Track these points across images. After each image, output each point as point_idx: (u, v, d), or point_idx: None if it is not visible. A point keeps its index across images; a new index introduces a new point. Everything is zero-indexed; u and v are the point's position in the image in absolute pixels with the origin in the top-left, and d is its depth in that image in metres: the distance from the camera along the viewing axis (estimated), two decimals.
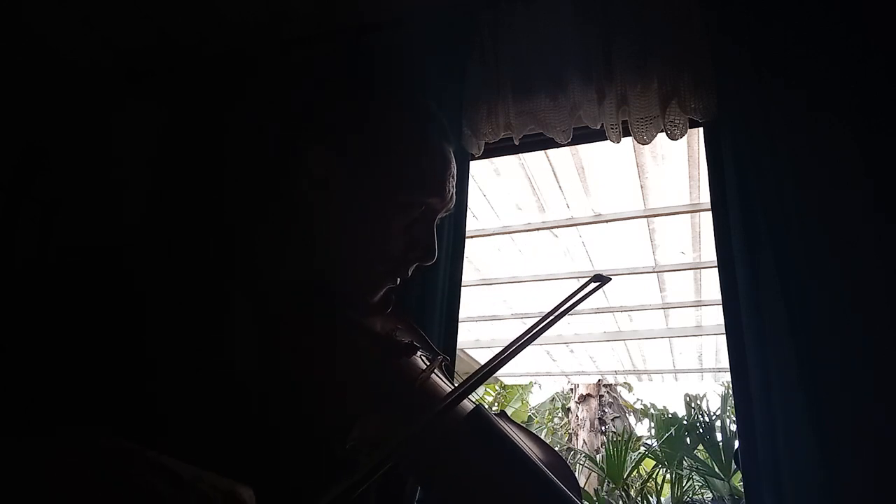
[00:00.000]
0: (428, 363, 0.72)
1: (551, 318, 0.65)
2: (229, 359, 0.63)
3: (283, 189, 0.74)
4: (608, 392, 10.05)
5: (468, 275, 4.11)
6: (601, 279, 0.71)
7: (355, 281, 0.72)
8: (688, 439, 7.26)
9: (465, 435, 0.65)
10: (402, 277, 0.74)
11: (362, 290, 0.73)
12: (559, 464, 0.70)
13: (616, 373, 7.62)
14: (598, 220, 3.26)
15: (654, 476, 7.91)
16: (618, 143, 1.56)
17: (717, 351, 6.08)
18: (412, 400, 0.65)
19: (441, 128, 0.76)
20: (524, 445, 0.67)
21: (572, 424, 9.95)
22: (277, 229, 0.74)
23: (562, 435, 10.61)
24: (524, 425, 0.80)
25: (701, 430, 7.09)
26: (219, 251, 0.72)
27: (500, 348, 0.66)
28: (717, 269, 1.42)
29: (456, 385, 0.70)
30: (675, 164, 2.72)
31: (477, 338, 5.70)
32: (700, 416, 7.32)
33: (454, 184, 0.75)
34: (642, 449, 8.46)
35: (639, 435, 9.43)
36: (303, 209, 0.72)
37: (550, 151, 2.63)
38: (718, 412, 7.50)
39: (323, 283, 0.72)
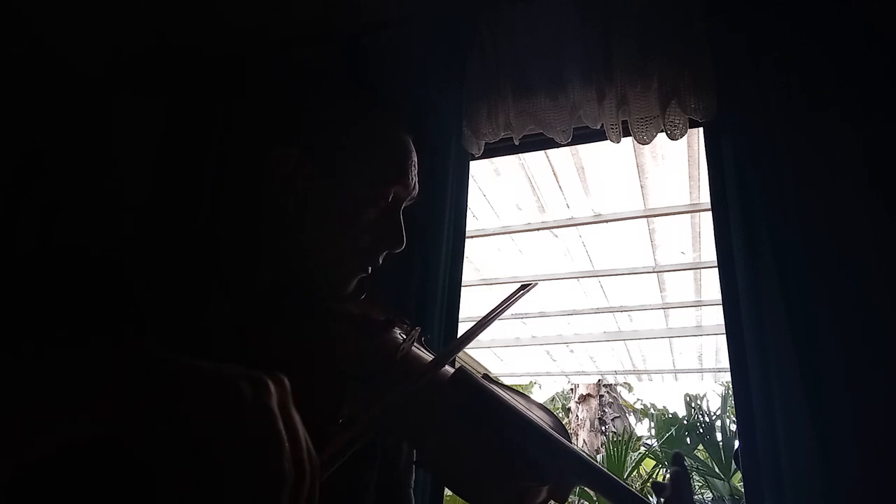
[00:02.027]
0: (405, 336, 0.74)
1: (483, 323, 0.69)
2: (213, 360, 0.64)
3: (257, 191, 0.75)
4: (608, 392, 10.05)
5: (468, 275, 4.11)
6: (526, 286, 0.75)
7: (330, 276, 0.74)
8: (688, 439, 7.27)
9: (450, 396, 0.66)
10: (372, 267, 0.76)
11: (337, 283, 0.74)
12: (547, 415, 0.72)
13: (616, 373, 7.62)
14: (598, 220, 3.26)
15: (654, 476, 7.92)
16: (618, 143, 1.56)
17: (717, 351, 6.08)
18: (395, 373, 0.67)
19: (402, 119, 0.79)
20: (511, 400, 0.69)
21: (572, 424, 9.95)
22: (254, 231, 0.75)
23: None
24: None
25: (701, 430, 7.09)
26: (202, 254, 0.73)
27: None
28: (717, 269, 1.42)
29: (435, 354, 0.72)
30: (675, 164, 2.72)
31: (477, 338, 5.68)
32: (700, 416, 7.33)
33: (416, 172, 0.78)
34: (642, 449, 8.47)
35: (639, 435, 9.44)
36: (277, 210, 0.73)
37: (550, 151, 2.63)
38: (718, 412, 7.50)
39: (299, 280, 0.73)
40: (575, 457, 0.65)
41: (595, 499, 6.88)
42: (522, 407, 0.69)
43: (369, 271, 0.76)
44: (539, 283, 0.76)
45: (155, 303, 0.63)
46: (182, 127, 1.90)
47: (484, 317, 0.72)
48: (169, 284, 0.66)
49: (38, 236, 1.86)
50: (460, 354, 5.77)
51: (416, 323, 0.86)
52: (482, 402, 0.67)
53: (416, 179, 0.77)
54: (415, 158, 0.77)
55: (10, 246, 1.85)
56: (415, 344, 0.73)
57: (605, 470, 0.65)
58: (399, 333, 0.74)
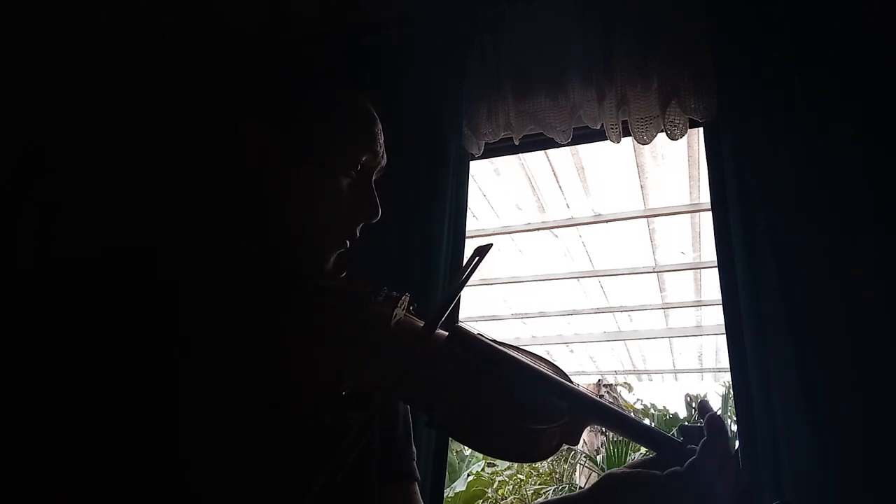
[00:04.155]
0: (396, 304, 0.74)
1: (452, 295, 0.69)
2: (207, 352, 0.64)
3: (229, 171, 0.76)
4: (608, 392, 10.04)
5: None
6: (482, 249, 0.75)
7: (308, 249, 0.75)
8: None
9: (450, 354, 0.68)
10: (350, 240, 0.77)
11: (316, 257, 0.75)
12: (546, 364, 0.73)
13: (616, 373, 7.62)
14: (598, 220, 3.26)
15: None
16: (618, 143, 1.56)
17: (717, 351, 6.08)
18: (391, 340, 0.68)
19: (362, 93, 0.80)
20: (509, 350, 0.71)
21: None
22: (236, 212, 0.76)
23: None
24: None
25: None
26: (188, 246, 0.74)
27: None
28: (717, 269, 1.42)
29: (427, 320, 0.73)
30: (675, 164, 2.72)
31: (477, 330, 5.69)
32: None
33: (383, 141, 0.79)
34: (643, 449, 8.46)
35: None
36: (249, 187, 0.74)
37: (550, 151, 2.63)
38: (719, 412, 7.49)
39: (281, 257, 0.74)
40: (580, 395, 0.66)
41: None
42: (522, 357, 0.70)
43: (348, 245, 0.77)
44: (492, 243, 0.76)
45: (151, 302, 0.63)
46: (182, 127, 1.90)
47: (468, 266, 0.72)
48: (165, 283, 0.66)
49: (38, 236, 1.86)
50: None
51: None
52: (481, 353, 0.68)
53: (383, 149, 0.79)
54: (380, 127, 0.79)
55: (10, 245, 1.85)
56: (405, 311, 0.74)
57: (612, 405, 0.66)
58: (389, 303, 0.75)
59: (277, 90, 0.77)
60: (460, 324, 0.72)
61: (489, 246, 0.74)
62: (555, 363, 0.74)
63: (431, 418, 0.65)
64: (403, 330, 0.69)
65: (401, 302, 0.71)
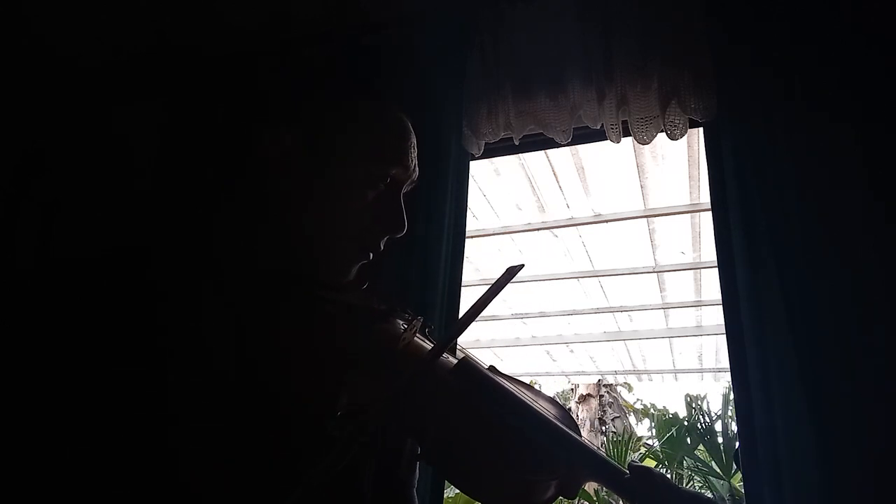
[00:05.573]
0: (407, 326, 0.72)
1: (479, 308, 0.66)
2: (207, 354, 0.63)
3: (246, 175, 0.75)
4: (608, 392, 10.04)
5: (468, 275, 4.11)
6: (513, 269, 0.71)
7: (327, 260, 0.73)
8: (688, 439, 7.27)
9: (453, 386, 0.65)
10: (373, 252, 0.75)
11: (335, 268, 0.73)
12: (555, 407, 0.71)
13: (616, 373, 7.62)
14: (598, 220, 3.26)
15: None
16: (618, 143, 1.56)
17: (717, 351, 6.08)
18: (397, 362, 0.66)
19: (395, 103, 0.78)
20: (517, 391, 0.68)
21: None
22: (245, 217, 0.74)
23: None
24: None
25: (701, 431, 7.09)
26: (190, 248, 0.73)
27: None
28: (717, 269, 1.42)
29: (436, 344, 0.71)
30: (675, 164, 2.72)
31: (477, 338, 5.70)
32: (700, 417, 7.32)
33: (415, 155, 0.77)
34: (643, 449, 8.47)
35: (639, 435, 9.44)
36: (267, 193, 0.72)
37: (550, 151, 2.63)
38: (719, 412, 7.50)
39: (296, 265, 0.72)
40: (584, 450, 0.63)
41: (595, 500, 6.87)
42: (528, 398, 0.68)
43: (370, 257, 0.75)
44: (524, 265, 0.73)
45: (151, 302, 0.63)
46: (182, 127, 1.90)
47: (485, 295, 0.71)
48: (164, 283, 0.66)
49: (38, 236, 1.86)
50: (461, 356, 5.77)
51: None
52: (486, 392, 0.66)
53: (415, 162, 0.76)
54: (414, 140, 0.76)
55: (10, 245, 1.85)
56: (417, 334, 0.72)
57: (617, 464, 0.64)
58: (401, 324, 0.73)
59: (302, 95, 0.74)
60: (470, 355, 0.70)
61: (520, 266, 0.71)
62: (565, 408, 0.71)
63: (423, 451, 0.63)
64: (410, 354, 0.67)
65: (412, 325, 0.70)
